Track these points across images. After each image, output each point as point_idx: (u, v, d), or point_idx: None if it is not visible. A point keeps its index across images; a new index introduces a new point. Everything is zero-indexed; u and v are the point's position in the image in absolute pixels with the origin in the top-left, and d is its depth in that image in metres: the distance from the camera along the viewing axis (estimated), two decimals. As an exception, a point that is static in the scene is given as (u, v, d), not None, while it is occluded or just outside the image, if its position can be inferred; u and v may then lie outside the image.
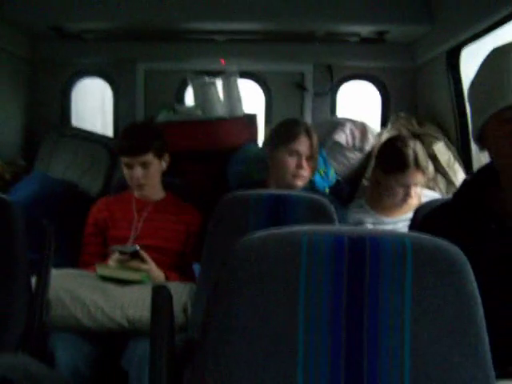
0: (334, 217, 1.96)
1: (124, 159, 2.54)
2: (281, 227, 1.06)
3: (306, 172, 2.56)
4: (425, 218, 1.52)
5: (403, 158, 2.48)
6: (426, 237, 1.04)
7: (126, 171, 2.56)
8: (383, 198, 2.62)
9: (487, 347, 1.00)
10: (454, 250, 1.01)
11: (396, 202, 2.58)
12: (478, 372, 0.99)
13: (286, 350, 0.99)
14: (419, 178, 2.52)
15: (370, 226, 2.61)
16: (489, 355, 1.00)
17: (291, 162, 2.54)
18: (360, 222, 2.63)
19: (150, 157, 2.53)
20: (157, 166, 2.58)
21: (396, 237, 1.03)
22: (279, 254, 1.01)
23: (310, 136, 2.57)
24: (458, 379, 0.99)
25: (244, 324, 1.00)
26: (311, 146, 2.56)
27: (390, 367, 0.99)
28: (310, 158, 2.56)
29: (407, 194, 2.53)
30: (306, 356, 0.99)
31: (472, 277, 1.00)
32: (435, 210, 1.50)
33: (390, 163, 2.54)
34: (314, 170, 2.63)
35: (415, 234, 1.05)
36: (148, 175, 2.55)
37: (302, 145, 2.55)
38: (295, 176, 2.55)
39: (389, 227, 2.57)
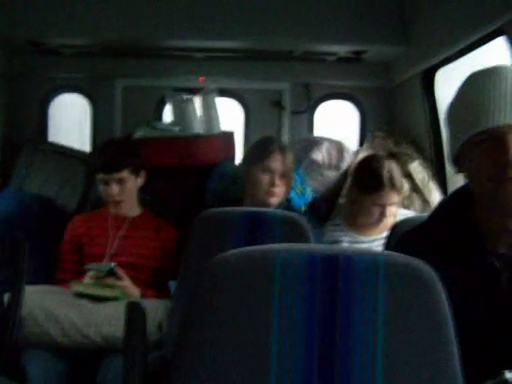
0: (309, 235, 1.97)
1: (100, 176, 2.53)
2: (255, 246, 1.07)
3: (279, 189, 2.56)
4: (401, 238, 1.53)
5: (378, 178, 2.49)
6: (399, 255, 1.05)
7: (102, 188, 2.56)
8: (359, 216, 2.63)
9: (458, 365, 1.01)
10: (427, 269, 1.02)
11: (372, 221, 2.59)
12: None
13: (259, 367, 0.99)
14: (395, 197, 2.53)
15: (345, 245, 2.61)
16: (459, 372, 1.01)
17: (264, 179, 2.54)
18: (336, 241, 2.63)
19: (125, 174, 2.53)
20: (133, 182, 2.58)
21: (369, 255, 1.04)
22: (253, 271, 1.02)
23: (283, 153, 2.57)
24: None
25: (217, 340, 1.00)
26: (285, 163, 2.56)
27: (363, 381, 0.99)
28: (284, 175, 2.56)
29: (383, 214, 2.54)
30: (278, 373, 0.99)
31: (443, 295, 1.01)
32: (411, 231, 1.51)
33: (365, 183, 2.55)
34: (288, 188, 2.63)
35: (388, 253, 1.06)
36: (124, 192, 2.55)
37: (276, 162, 2.55)
38: (268, 193, 2.54)
39: (364, 246, 2.58)
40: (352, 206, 2.66)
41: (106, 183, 2.53)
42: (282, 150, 2.58)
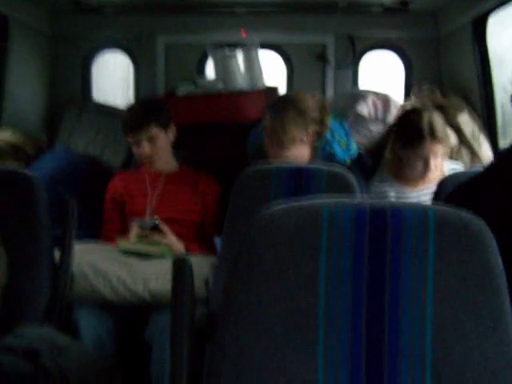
0: (355, 189, 1.94)
1: (130, 137, 2.55)
2: (301, 198, 1.05)
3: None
4: (454, 191, 1.48)
5: (418, 130, 2.46)
6: (449, 209, 1.02)
7: (134, 149, 2.57)
8: (403, 170, 2.60)
9: (510, 319, 0.99)
10: (479, 223, 1.00)
11: (416, 174, 2.56)
12: (500, 346, 0.98)
13: (306, 324, 0.99)
14: (437, 149, 2.49)
15: (392, 199, 2.59)
16: (511, 327, 0.99)
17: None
18: (383, 194, 2.61)
19: (154, 130, 2.53)
20: (163, 138, 2.58)
21: (418, 208, 1.01)
22: (300, 225, 1.00)
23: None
24: (480, 352, 0.97)
25: (264, 297, 0.99)
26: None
27: (412, 339, 0.98)
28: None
29: (426, 167, 2.50)
30: (326, 330, 0.99)
31: (496, 250, 0.99)
32: (466, 185, 1.46)
33: (405, 136, 2.52)
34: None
35: (439, 206, 1.03)
36: (155, 149, 2.55)
37: None
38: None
39: (412, 199, 2.55)
40: (396, 159, 2.62)
41: (138, 143, 2.54)
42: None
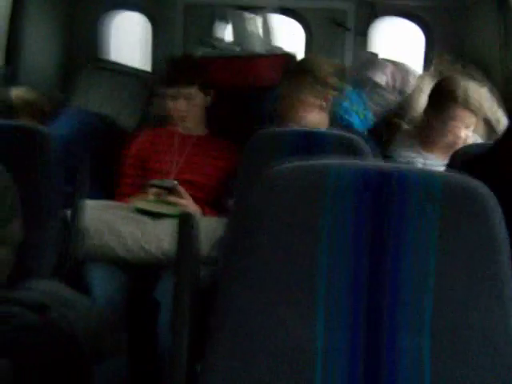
0: (367, 154, 1.93)
1: (169, 91, 2.53)
2: (309, 159, 1.05)
3: None
4: (466, 162, 1.47)
5: (453, 96, 2.46)
6: (456, 175, 1.02)
7: (170, 103, 2.56)
8: (433, 137, 2.60)
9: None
10: (485, 191, 0.99)
11: (446, 142, 2.56)
12: (501, 316, 0.98)
13: (306, 281, 0.99)
14: (470, 119, 2.49)
15: (420, 164, 2.60)
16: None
17: None
18: (408, 161, 2.61)
19: (194, 89, 2.53)
20: (201, 100, 2.57)
21: (425, 173, 1.01)
22: (304, 184, 1.01)
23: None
24: (480, 320, 0.98)
25: (265, 255, 1.00)
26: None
27: (412, 303, 0.98)
28: None
29: (457, 134, 2.50)
30: (326, 289, 0.99)
31: (501, 219, 0.98)
32: (478, 156, 1.44)
33: (439, 100, 2.53)
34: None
35: (445, 173, 1.03)
36: (191, 108, 2.55)
37: None
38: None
39: (440, 167, 2.55)
40: (426, 126, 2.62)
41: (174, 98, 2.53)
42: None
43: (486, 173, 1.31)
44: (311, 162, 1.05)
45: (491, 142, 2.70)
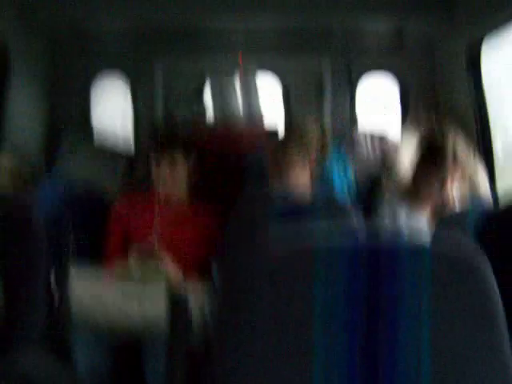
0: (351, 215, 1.95)
1: (152, 156, 2.56)
2: (295, 228, 1.05)
3: None
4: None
5: (442, 150, 2.49)
6: (446, 244, 1.01)
7: (153, 169, 2.58)
8: (419, 191, 2.62)
9: (509, 360, 0.98)
10: (476, 259, 0.99)
11: (431, 195, 2.58)
12: (498, 380, 0.97)
13: (301, 349, 0.99)
14: (456, 172, 2.52)
15: (403, 220, 2.61)
16: (510, 367, 0.98)
17: None
18: (393, 216, 2.63)
19: (178, 155, 2.55)
20: (183, 164, 2.59)
21: (414, 244, 1.01)
22: (295, 258, 1.01)
23: None
24: None
25: (259, 323, 0.99)
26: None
27: (408, 373, 0.97)
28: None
29: (443, 188, 2.53)
30: (322, 366, 0.98)
31: (494, 286, 0.98)
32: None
33: (428, 154, 2.55)
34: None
35: (434, 242, 1.03)
36: (175, 173, 2.57)
37: None
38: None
39: (423, 221, 2.57)
40: (412, 178, 2.65)
41: (158, 163, 2.55)
42: None
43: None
44: (301, 231, 1.05)
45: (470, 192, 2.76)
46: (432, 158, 2.52)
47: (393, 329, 0.98)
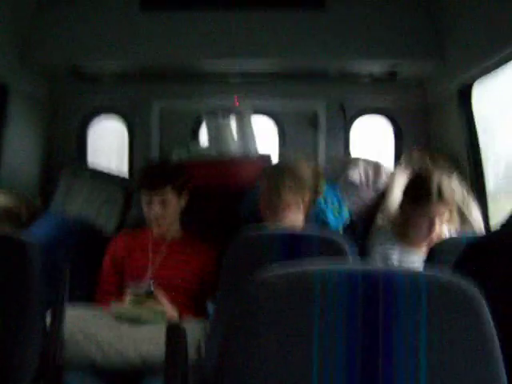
0: (347, 253, 1.96)
1: (144, 194, 2.57)
2: (294, 264, 1.06)
3: None
4: (465, 252, 1.45)
5: (427, 190, 2.52)
6: (440, 274, 1.03)
7: (145, 208, 2.59)
8: (409, 229, 2.64)
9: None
10: (470, 288, 1.01)
11: (421, 234, 2.59)
12: None
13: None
14: (443, 211, 2.54)
15: (395, 257, 2.62)
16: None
17: None
18: (385, 255, 2.64)
19: (169, 193, 2.56)
20: (175, 202, 2.60)
21: (410, 274, 1.03)
22: (293, 291, 1.02)
23: None
24: None
25: (259, 361, 1.00)
26: None
27: None
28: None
29: (431, 227, 2.54)
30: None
31: (488, 316, 0.99)
32: (476, 245, 1.43)
33: (414, 195, 2.59)
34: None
35: (430, 272, 1.04)
36: (166, 212, 2.57)
37: None
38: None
39: (415, 259, 2.58)
40: (402, 219, 2.66)
41: (149, 202, 2.56)
42: None
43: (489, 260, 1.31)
44: (296, 268, 1.06)
45: (464, 231, 2.78)
46: (418, 197, 2.55)
47: (390, 351, 0.99)
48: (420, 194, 2.55)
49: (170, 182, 2.56)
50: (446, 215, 2.57)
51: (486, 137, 3.09)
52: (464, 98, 3.01)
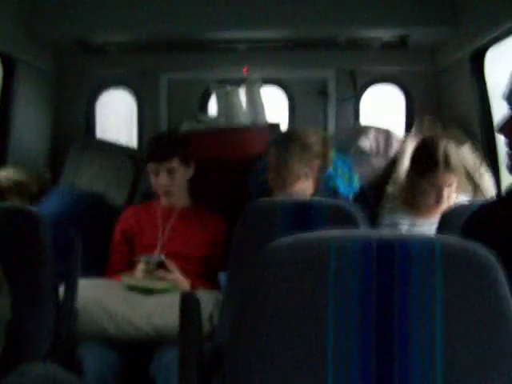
0: (358, 222, 1.95)
1: (151, 166, 2.57)
2: (308, 233, 1.06)
3: None
4: (469, 220, 1.45)
5: (433, 158, 2.49)
6: (455, 239, 1.02)
7: (153, 179, 2.59)
8: (417, 199, 2.62)
9: None
10: (485, 253, 1.00)
11: (429, 203, 2.58)
12: (508, 376, 0.97)
13: (315, 356, 0.99)
14: (450, 178, 2.51)
15: (405, 228, 2.61)
16: None
17: None
18: (395, 224, 2.63)
19: (175, 163, 2.56)
20: (183, 172, 2.60)
21: (424, 239, 1.02)
22: (307, 259, 1.01)
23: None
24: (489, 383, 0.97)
25: (273, 330, 1.00)
26: None
27: (421, 372, 0.97)
28: None
29: (439, 196, 2.53)
30: (335, 362, 0.99)
31: (504, 280, 0.99)
32: (479, 213, 1.43)
33: (420, 164, 2.57)
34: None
35: (445, 238, 1.04)
36: (174, 182, 2.58)
37: None
38: None
39: (424, 229, 2.57)
40: (410, 188, 2.65)
41: (157, 173, 2.57)
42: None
43: (492, 228, 1.30)
44: (311, 236, 1.05)
45: (476, 198, 2.76)
46: (424, 166, 2.52)
47: (406, 315, 0.98)
48: (426, 162, 2.52)
49: (177, 153, 2.56)
50: (455, 182, 2.54)
51: (499, 103, 3.05)
52: (476, 63, 2.96)
